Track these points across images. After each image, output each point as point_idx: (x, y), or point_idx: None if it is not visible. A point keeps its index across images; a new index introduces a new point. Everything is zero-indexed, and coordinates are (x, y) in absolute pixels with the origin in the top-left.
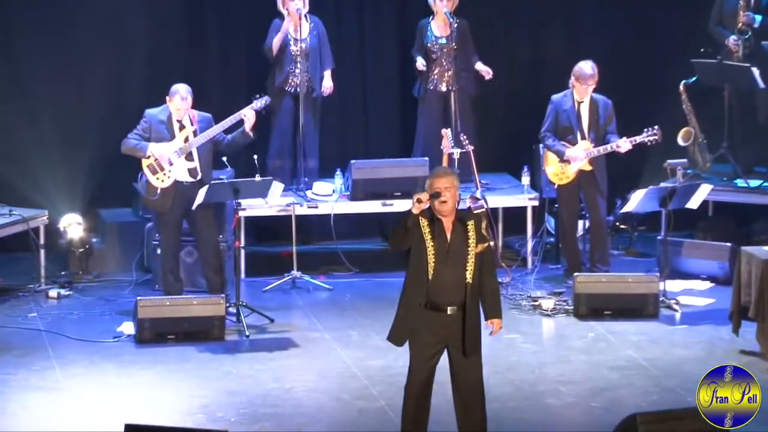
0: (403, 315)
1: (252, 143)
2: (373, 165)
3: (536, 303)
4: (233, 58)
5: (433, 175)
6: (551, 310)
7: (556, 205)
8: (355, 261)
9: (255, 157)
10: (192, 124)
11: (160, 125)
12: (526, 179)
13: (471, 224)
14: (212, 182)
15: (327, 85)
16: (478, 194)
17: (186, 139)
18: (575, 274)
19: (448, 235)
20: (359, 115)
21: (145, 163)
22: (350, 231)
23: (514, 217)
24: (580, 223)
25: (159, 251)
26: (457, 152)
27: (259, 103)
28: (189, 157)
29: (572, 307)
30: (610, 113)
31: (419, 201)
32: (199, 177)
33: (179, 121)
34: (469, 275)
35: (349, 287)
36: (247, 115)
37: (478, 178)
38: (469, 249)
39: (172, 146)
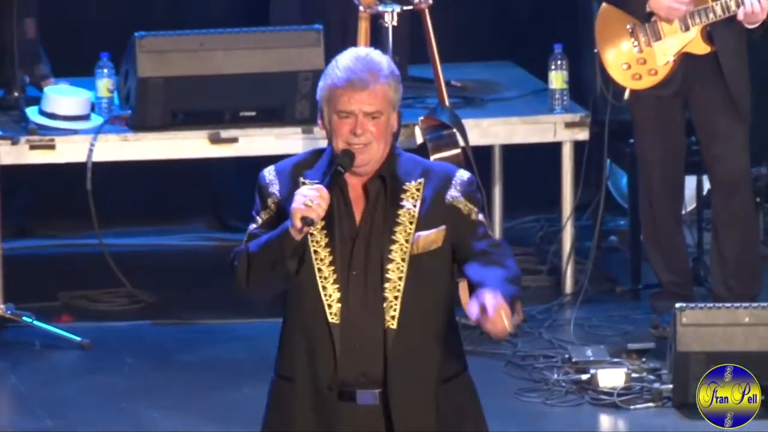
0: (277, 412)
1: None
2: (187, 43)
3: (586, 376)
4: None
5: (334, 79)
6: (621, 395)
7: (631, 141)
8: (147, 278)
9: None
10: None
11: None
12: (557, 77)
13: (415, 187)
14: None
15: None
16: (439, 115)
17: None
18: (678, 305)
19: (357, 216)
20: None
21: None
22: (134, 206)
23: (532, 169)
24: (689, 183)
25: None
26: (392, 13)
27: None
28: None
29: (671, 386)
30: None
31: (305, 222)
32: None
33: None
34: (392, 310)
35: (133, 341)
36: None
37: (441, 75)
38: (397, 240)
39: None
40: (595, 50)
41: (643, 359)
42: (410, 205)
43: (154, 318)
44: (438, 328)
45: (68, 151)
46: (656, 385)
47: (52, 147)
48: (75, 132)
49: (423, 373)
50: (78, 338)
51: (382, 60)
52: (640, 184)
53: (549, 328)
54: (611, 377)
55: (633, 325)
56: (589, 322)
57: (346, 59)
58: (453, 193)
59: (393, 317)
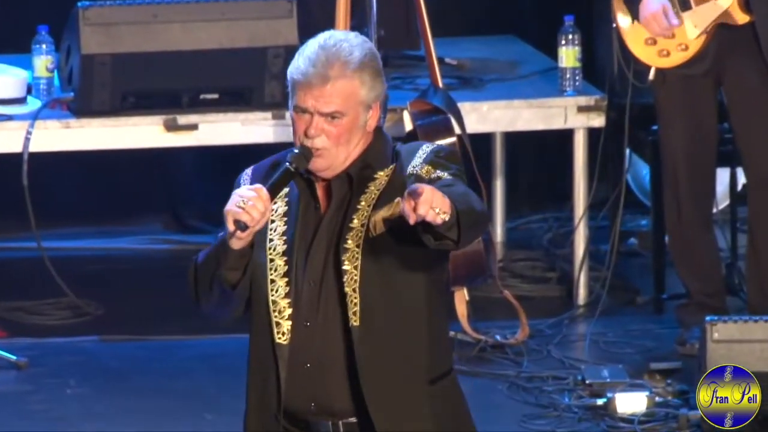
0: None
1: None
2: (138, 14)
3: (602, 401)
4: None
5: (295, 68)
6: (643, 422)
7: (655, 128)
8: (93, 286)
9: None
10: None
11: None
12: (569, 53)
13: (385, 174)
14: None
15: None
16: (432, 98)
17: None
18: (708, 318)
19: (322, 207)
20: None
21: None
22: (78, 203)
23: (539, 160)
24: (721, 176)
25: None
26: None
27: None
28: None
29: (699, 413)
30: None
31: (238, 226)
32: None
33: None
34: (354, 305)
35: (77, 360)
36: None
37: (434, 51)
38: (353, 228)
39: None
40: (614, 25)
41: (668, 381)
42: (374, 190)
43: (102, 333)
44: (416, 321)
45: (1, 139)
46: (683, 410)
47: None
48: (9, 118)
49: (403, 374)
50: (13, 357)
51: (355, 49)
52: (664, 178)
53: (559, 344)
54: (631, 402)
55: (656, 342)
56: (606, 338)
57: (311, 46)
58: (415, 163)
59: (355, 313)
